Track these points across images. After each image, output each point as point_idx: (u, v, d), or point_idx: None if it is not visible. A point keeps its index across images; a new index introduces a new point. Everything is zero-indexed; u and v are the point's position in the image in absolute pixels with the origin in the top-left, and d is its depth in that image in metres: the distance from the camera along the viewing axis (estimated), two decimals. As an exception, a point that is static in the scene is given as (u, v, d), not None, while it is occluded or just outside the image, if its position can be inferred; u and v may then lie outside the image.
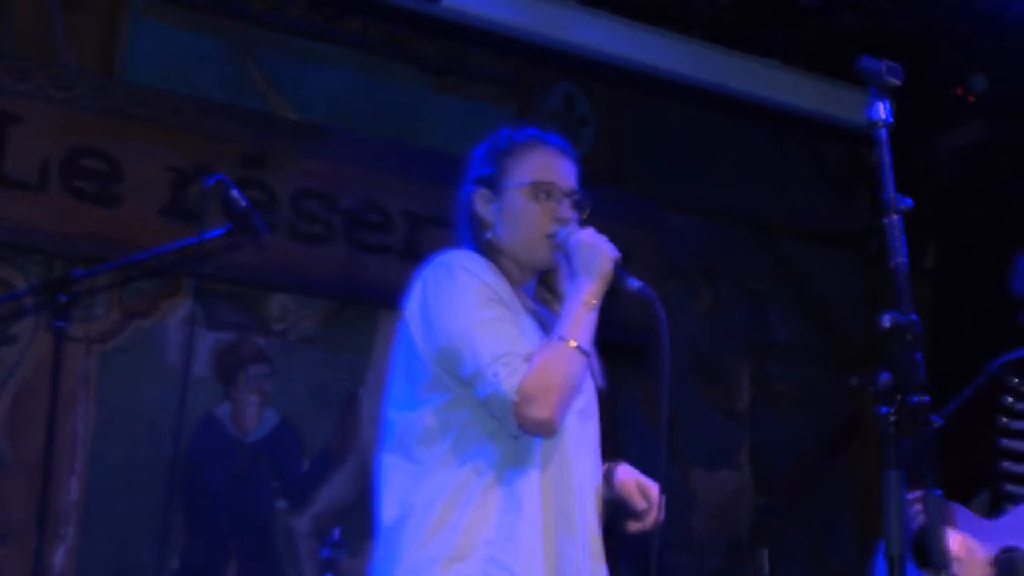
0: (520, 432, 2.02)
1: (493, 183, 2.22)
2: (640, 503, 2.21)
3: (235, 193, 2.91)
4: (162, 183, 4.26)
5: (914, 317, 1.77)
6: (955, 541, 2.59)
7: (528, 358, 2.00)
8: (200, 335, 4.31)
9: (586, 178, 5.65)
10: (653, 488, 2.22)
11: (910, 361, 1.75)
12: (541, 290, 2.28)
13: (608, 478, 2.24)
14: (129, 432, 4.16)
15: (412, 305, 2.14)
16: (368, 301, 4.63)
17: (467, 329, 2.03)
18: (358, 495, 4.53)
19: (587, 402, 2.16)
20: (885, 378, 1.76)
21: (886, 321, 1.78)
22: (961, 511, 2.75)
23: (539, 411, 1.98)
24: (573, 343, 2.02)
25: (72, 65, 4.24)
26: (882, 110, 1.88)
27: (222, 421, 4.35)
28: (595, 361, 2.17)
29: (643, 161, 5.36)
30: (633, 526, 2.21)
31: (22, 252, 4.06)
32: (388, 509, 2.09)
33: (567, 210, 2.19)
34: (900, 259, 1.81)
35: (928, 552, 1.72)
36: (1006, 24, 4.75)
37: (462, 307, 2.05)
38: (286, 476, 4.43)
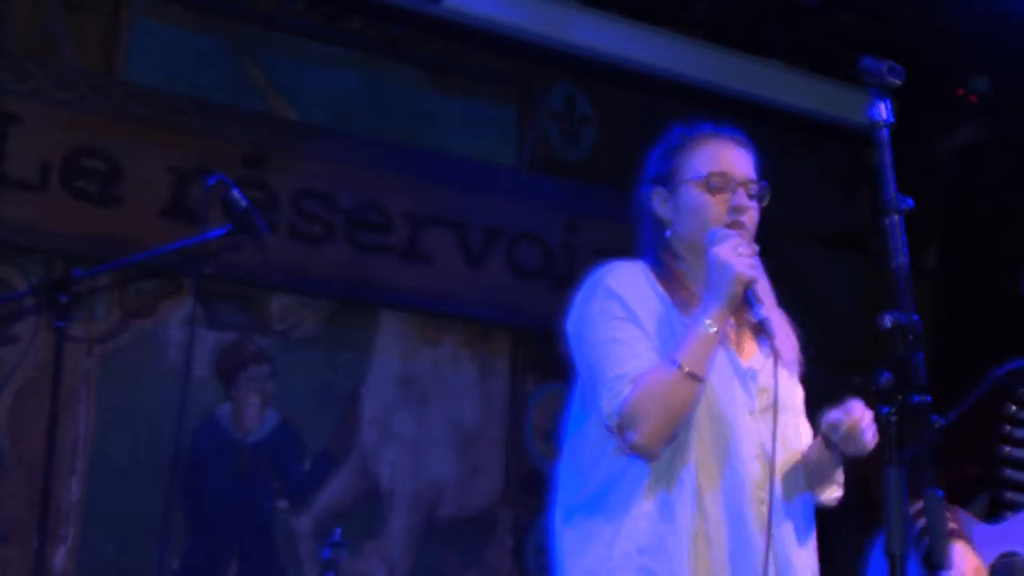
0: (630, 452, 2.04)
1: (668, 181, 2.20)
2: (838, 415, 2.10)
3: (236, 193, 2.92)
4: (163, 183, 4.25)
5: (915, 317, 1.77)
6: (962, 556, 2.60)
7: (636, 380, 2.01)
8: (201, 335, 4.31)
9: (587, 178, 5.53)
10: (850, 404, 2.12)
11: (911, 361, 1.75)
12: None
13: (823, 437, 2.15)
14: (130, 433, 4.16)
15: (568, 321, 2.17)
16: (369, 301, 4.63)
17: (590, 352, 2.07)
18: (359, 496, 4.53)
19: (772, 399, 2.08)
20: (886, 378, 1.76)
21: (887, 321, 1.78)
22: (961, 514, 2.76)
23: (635, 437, 1.99)
24: (684, 367, 1.99)
25: (73, 65, 4.23)
26: (883, 110, 1.88)
27: (223, 421, 4.34)
28: (791, 346, 2.17)
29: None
30: (853, 448, 2.11)
31: (22, 252, 4.06)
32: (557, 513, 2.14)
33: (743, 199, 2.15)
34: (901, 259, 1.81)
35: (929, 552, 1.72)
36: (1008, 24, 4.75)
37: (591, 330, 2.09)
38: (287, 477, 4.42)
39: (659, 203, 2.20)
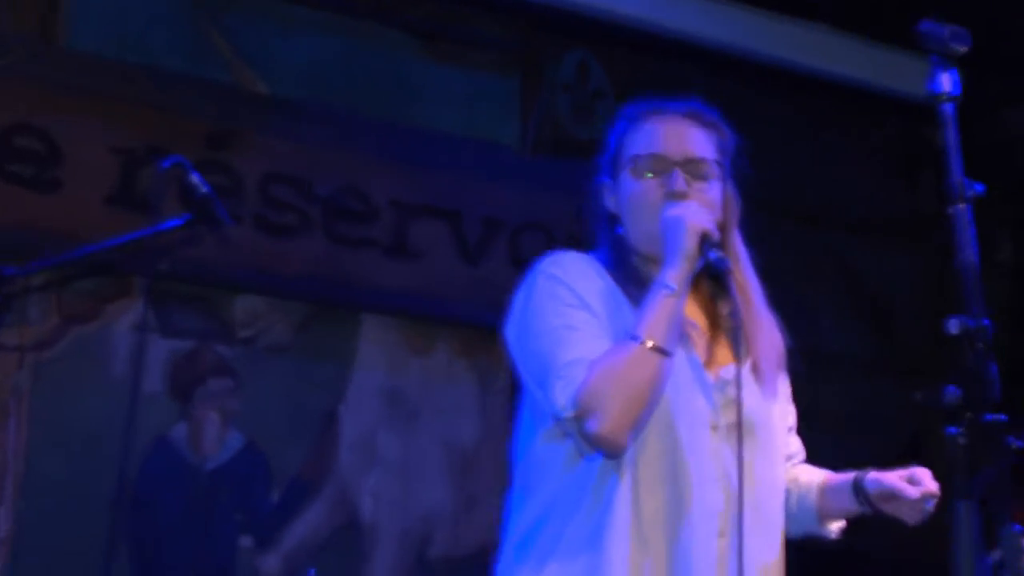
0: (592, 452, 2.05)
1: (612, 170, 2.25)
2: (912, 491, 2.18)
3: (195, 178, 2.93)
4: (109, 166, 4.26)
5: (986, 321, 1.77)
6: None
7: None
8: (152, 343, 4.32)
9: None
10: (918, 472, 2.19)
11: (982, 373, 1.74)
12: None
13: (860, 492, 2.24)
14: (68, 456, 4.15)
15: (508, 325, 2.19)
16: (350, 304, 4.65)
17: (537, 345, 2.09)
18: (336, 531, 4.53)
19: (747, 415, 2.09)
20: (953, 393, 1.76)
21: (954, 326, 1.77)
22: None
23: (596, 425, 1.99)
24: (648, 341, 2.00)
25: (5, 29, 4.23)
26: (947, 81, 1.88)
27: (177, 444, 4.36)
28: (773, 347, 2.19)
29: None
30: (906, 517, 2.20)
31: (-55, 247, 4.10)
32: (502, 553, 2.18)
33: (678, 182, 2.16)
34: (969, 253, 1.80)
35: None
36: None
37: (536, 320, 2.11)
38: (252, 509, 4.43)
39: (608, 196, 2.25)
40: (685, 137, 2.20)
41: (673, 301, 2.04)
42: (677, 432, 2.07)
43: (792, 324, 5.98)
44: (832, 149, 5.69)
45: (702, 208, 2.12)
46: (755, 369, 2.15)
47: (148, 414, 4.25)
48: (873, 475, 2.24)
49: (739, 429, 2.03)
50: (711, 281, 2.16)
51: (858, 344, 5.62)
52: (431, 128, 4.82)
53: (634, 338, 2.00)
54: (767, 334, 2.20)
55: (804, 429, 2.35)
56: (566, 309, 2.09)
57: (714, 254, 2.07)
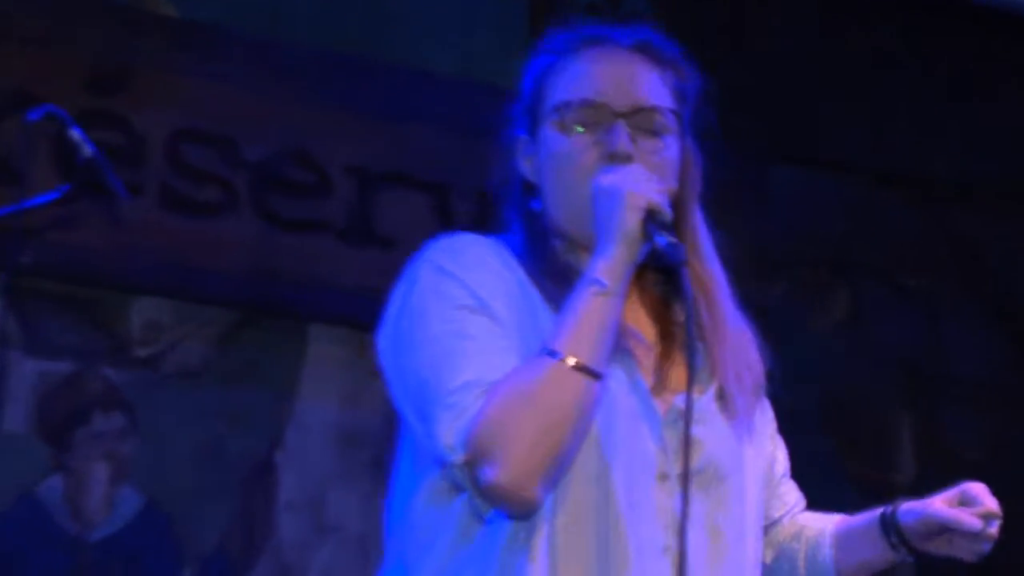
0: (492, 511, 2.04)
1: (529, 121, 2.26)
2: (972, 521, 2.19)
3: (76, 134, 2.95)
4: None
5: None
6: None
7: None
8: (14, 365, 4.30)
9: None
10: (972, 488, 2.22)
11: None
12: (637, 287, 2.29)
13: (893, 529, 2.25)
14: None
15: (380, 335, 2.19)
16: (291, 309, 4.64)
17: (417, 358, 2.10)
18: (272, 624, 4.51)
19: (704, 462, 2.13)
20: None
21: None
22: None
23: (494, 473, 1.98)
24: (571, 358, 2.00)
25: None
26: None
27: (49, 505, 4.33)
28: (748, 367, 2.22)
29: (733, 83, 5.37)
30: (960, 553, 2.24)
31: None
32: None
33: (622, 139, 2.17)
34: None
35: None
36: None
37: (419, 326, 2.11)
38: (154, 596, 4.36)
39: (523, 158, 2.26)
40: (632, 79, 2.22)
41: (606, 302, 2.04)
42: (611, 483, 2.07)
43: (907, 338, 5.95)
44: (959, 96, 5.79)
45: (649, 175, 2.12)
46: (721, 397, 2.16)
47: (7, 463, 4.25)
48: (908, 505, 2.24)
49: (685, 481, 2.01)
50: (661, 276, 2.18)
51: (997, 364, 5.69)
52: (407, 66, 4.80)
53: (550, 353, 2.00)
54: (737, 349, 2.21)
55: (928, 483, 2.40)
56: (458, 313, 2.09)
57: (663, 239, 2.06)
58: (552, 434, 1.98)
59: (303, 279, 4.62)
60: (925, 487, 2.37)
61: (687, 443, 2.01)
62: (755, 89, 5.42)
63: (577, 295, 2.04)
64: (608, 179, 2.09)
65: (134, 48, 4.49)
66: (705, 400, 2.14)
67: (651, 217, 2.05)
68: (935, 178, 5.74)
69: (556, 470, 2.00)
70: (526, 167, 2.24)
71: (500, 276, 2.15)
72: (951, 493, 2.19)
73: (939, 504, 2.19)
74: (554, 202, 2.20)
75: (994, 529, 2.17)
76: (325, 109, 4.70)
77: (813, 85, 5.58)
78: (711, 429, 2.12)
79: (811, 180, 5.55)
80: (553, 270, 2.17)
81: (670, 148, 2.19)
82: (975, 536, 2.16)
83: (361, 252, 4.70)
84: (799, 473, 2.38)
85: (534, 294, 2.14)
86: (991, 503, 2.16)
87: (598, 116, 2.18)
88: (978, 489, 2.17)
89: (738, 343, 2.21)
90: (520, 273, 2.16)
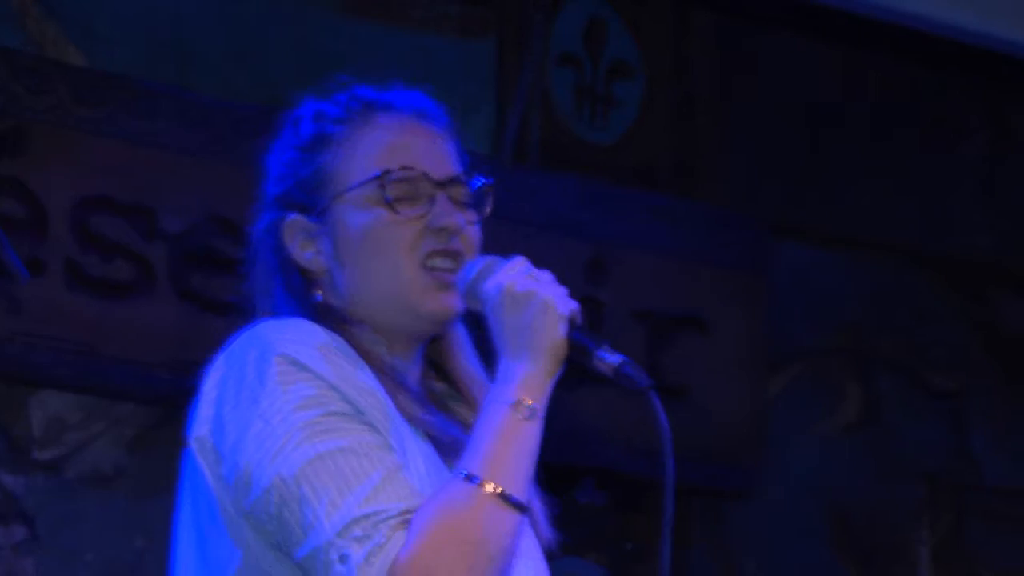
0: None
1: (308, 201, 2.31)
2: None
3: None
4: None
5: None
6: None
7: (406, 520, 2.06)
8: None
9: (625, 177, 5.68)
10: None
11: None
12: (432, 376, 2.39)
13: None
14: None
15: (201, 427, 2.21)
16: None
17: (292, 474, 2.09)
18: None
19: None
20: None
21: None
22: None
23: None
24: (491, 487, 2.08)
25: None
26: None
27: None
28: (539, 508, 2.31)
29: (735, 147, 5.42)
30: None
31: None
32: None
33: (450, 213, 2.27)
34: None
35: None
36: None
37: (283, 431, 2.11)
38: None
39: (298, 243, 2.31)
40: (441, 147, 2.34)
41: (532, 427, 2.12)
42: None
43: (929, 442, 6.02)
44: (991, 158, 5.92)
45: (550, 274, 2.21)
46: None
47: None
48: None
49: None
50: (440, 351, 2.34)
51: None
52: None
53: (470, 478, 2.07)
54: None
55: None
56: (330, 420, 2.10)
57: (610, 355, 2.16)
58: (487, 573, 2.07)
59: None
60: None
61: None
62: (755, 154, 5.54)
63: (498, 415, 2.12)
64: (514, 274, 2.18)
65: (33, 101, 4.42)
66: None
67: (576, 325, 2.16)
68: (974, 259, 5.83)
69: None
70: (305, 254, 2.30)
71: (355, 374, 2.17)
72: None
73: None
74: (362, 286, 2.27)
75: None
76: (255, 172, 4.50)
77: (826, 148, 5.61)
78: None
79: (826, 257, 5.57)
80: (382, 370, 2.23)
81: (477, 223, 2.31)
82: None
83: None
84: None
85: (384, 397, 2.19)
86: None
87: (416, 188, 2.28)
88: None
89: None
90: (366, 368, 2.20)
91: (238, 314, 4.38)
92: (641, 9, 5.28)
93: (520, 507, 2.09)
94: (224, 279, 4.32)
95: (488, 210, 2.35)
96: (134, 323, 4.48)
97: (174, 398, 4.35)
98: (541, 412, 2.14)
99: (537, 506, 2.30)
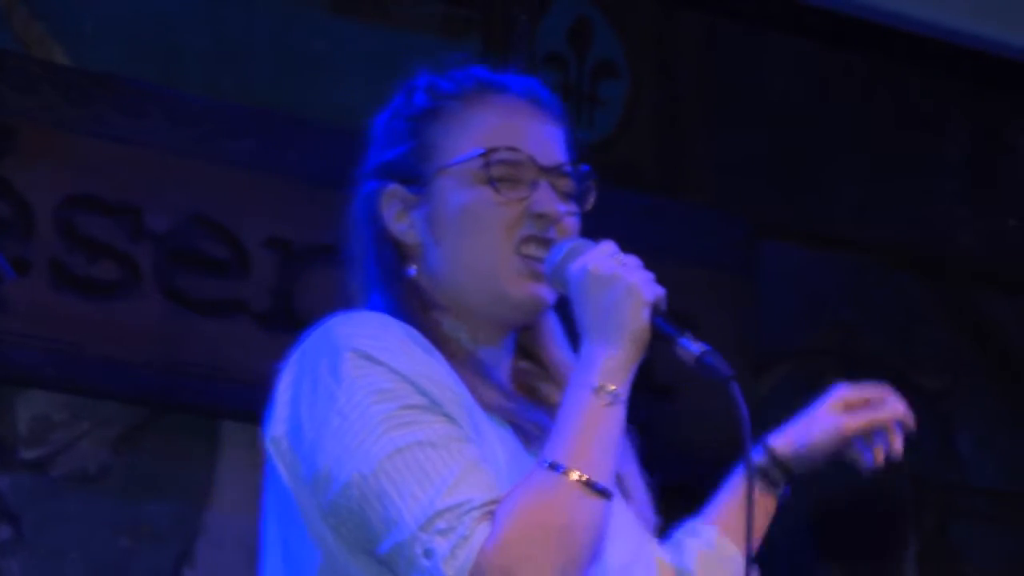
0: None
1: (411, 172, 2.28)
2: (895, 406, 2.39)
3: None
4: None
5: None
6: None
7: (490, 511, 2.05)
8: None
9: (613, 176, 5.65)
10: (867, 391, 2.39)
11: None
12: (522, 363, 2.38)
13: (771, 458, 2.50)
14: None
15: (277, 427, 2.20)
16: (200, 406, 4.61)
17: (372, 469, 2.08)
18: None
19: (631, 557, 2.25)
20: None
21: None
22: None
23: None
24: (575, 474, 2.06)
25: None
26: None
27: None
28: (639, 487, 2.35)
29: (720, 147, 5.42)
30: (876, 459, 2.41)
31: None
32: None
33: (550, 200, 2.26)
34: None
35: None
36: None
37: (360, 426, 2.10)
38: None
39: (394, 213, 2.30)
40: (550, 135, 2.33)
41: (615, 412, 2.11)
42: None
43: (916, 443, 5.98)
44: (982, 160, 5.93)
45: (636, 259, 2.20)
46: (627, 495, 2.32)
47: None
48: (781, 439, 2.52)
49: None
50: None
51: (1021, 475, 5.71)
52: (337, 123, 4.67)
53: (561, 470, 2.06)
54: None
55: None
56: (408, 413, 2.10)
57: (693, 344, 2.16)
58: (576, 562, 2.07)
59: (216, 370, 4.56)
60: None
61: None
62: (741, 153, 5.52)
63: (580, 401, 2.11)
64: (599, 257, 2.16)
65: (18, 101, 4.43)
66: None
67: (660, 311, 2.15)
68: (961, 261, 5.82)
69: None
70: (399, 225, 2.29)
71: (431, 366, 2.15)
72: (842, 396, 2.45)
73: (833, 418, 2.44)
74: (453, 264, 2.25)
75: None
76: (241, 172, 4.64)
77: (812, 148, 5.62)
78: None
79: (812, 257, 5.57)
80: (456, 356, 2.21)
81: (576, 216, 2.30)
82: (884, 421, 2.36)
83: (283, 338, 4.48)
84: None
85: (462, 387, 2.18)
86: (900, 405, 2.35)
87: (520, 172, 2.26)
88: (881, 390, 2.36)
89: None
90: (442, 359, 2.18)
91: (221, 313, 4.48)
92: (626, 9, 5.30)
93: (605, 493, 2.08)
94: (207, 279, 4.51)
95: (591, 204, 2.34)
96: (120, 323, 4.48)
97: (158, 397, 4.41)
98: (624, 397, 2.13)
99: (638, 485, 2.33)
